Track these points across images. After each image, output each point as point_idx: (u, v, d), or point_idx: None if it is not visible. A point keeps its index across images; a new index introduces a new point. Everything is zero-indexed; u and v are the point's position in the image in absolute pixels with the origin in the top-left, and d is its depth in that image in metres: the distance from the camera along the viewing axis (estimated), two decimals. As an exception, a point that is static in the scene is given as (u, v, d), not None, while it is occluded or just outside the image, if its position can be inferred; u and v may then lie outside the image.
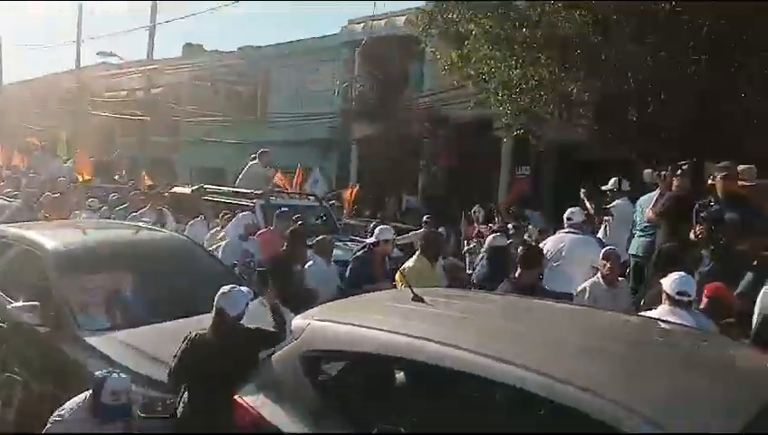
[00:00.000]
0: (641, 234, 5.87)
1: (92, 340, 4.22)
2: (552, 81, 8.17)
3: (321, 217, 9.41)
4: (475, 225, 10.14)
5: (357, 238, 8.53)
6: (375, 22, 15.21)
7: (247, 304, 3.76)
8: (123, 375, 3.48)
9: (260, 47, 20.08)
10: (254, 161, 10.13)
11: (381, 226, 6.51)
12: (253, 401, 3.08)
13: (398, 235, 10.61)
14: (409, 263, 5.35)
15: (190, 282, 5.29)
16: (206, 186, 10.07)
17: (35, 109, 27.62)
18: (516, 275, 4.60)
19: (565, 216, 5.95)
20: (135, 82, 22.26)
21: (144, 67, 21.19)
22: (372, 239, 5.98)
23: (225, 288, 3.76)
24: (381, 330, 2.82)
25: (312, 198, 10.20)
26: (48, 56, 46.42)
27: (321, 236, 6.62)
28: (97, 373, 3.47)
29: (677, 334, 3.15)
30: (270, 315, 3.86)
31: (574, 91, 8.24)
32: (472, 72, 8.99)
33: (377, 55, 15.52)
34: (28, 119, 25.76)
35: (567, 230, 5.87)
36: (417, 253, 5.46)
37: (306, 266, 6.00)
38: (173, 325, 4.45)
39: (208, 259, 6.05)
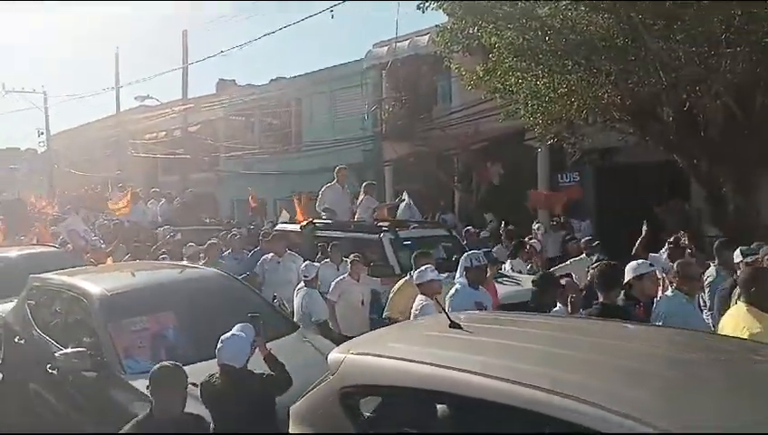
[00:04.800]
0: None
1: (137, 383, 4.27)
2: (582, 86, 8.00)
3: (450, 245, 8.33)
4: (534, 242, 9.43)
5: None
6: (399, 43, 15.28)
7: (252, 345, 3.69)
8: None
9: (290, 78, 20.47)
10: (363, 195, 9.79)
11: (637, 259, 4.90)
12: (293, 438, 3.05)
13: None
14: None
15: (232, 319, 5.33)
16: (315, 221, 9.18)
17: (84, 155, 28.82)
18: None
19: None
20: (173, 121, 22.96)
21: (180, 106, 21.85)
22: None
23: (224, 338, 3.66)
24: (418, 362, 2.75)
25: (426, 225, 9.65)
26: (89, 104, 48.88)
27: (566, 279, 5.54)
28: None
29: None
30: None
31: (605, 95, 8.05)
32: (499, 85, 8.88)
33: (403, 76, 15.57)
34: (78, 166, 26.92)
35: None
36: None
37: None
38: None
39: (249, 294, 6.04)
